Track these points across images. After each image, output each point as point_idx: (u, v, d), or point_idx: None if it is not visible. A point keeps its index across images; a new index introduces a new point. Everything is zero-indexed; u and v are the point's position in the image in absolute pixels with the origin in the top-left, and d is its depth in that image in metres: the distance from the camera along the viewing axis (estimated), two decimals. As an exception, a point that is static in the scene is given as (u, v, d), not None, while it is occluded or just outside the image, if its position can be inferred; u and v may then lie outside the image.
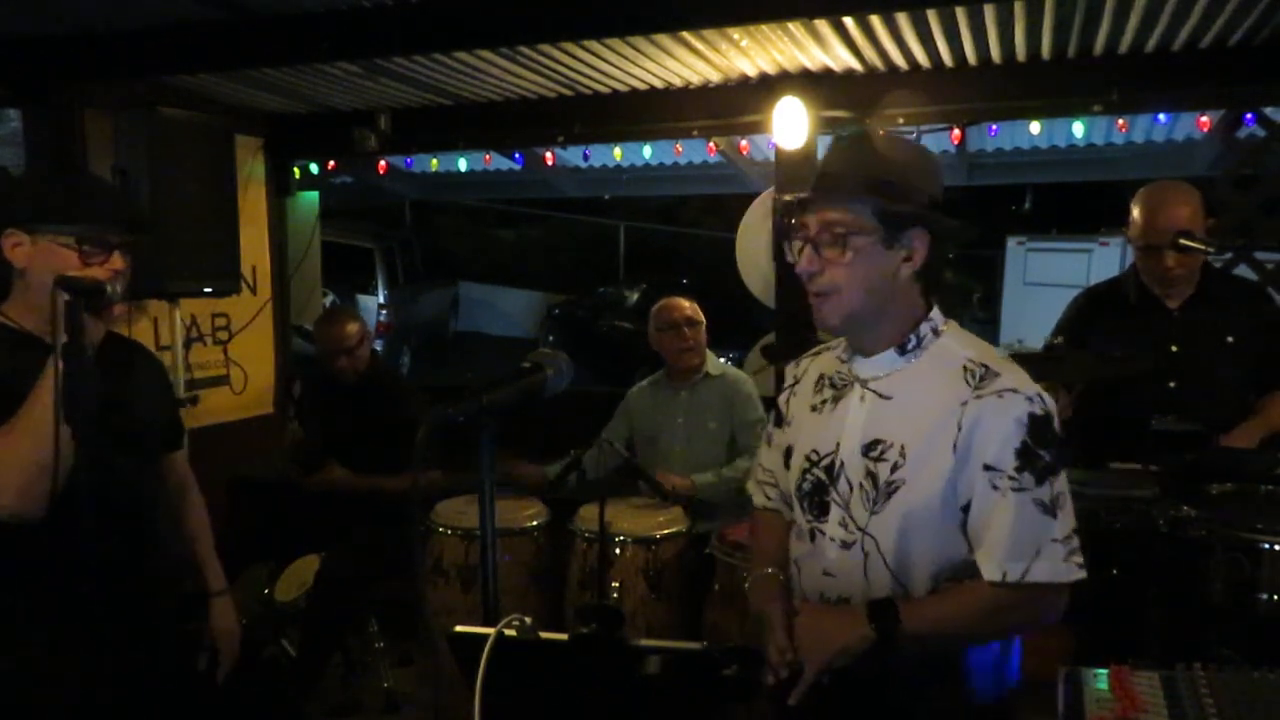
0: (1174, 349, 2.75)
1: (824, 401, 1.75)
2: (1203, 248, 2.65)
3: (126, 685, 1.89)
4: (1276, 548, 2.16)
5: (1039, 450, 1.53)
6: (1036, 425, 1.53)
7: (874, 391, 1.66)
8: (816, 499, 1.71)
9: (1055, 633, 2.80)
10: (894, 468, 1.60)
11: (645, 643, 1.30)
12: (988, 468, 1.54)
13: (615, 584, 3.24)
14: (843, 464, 1.67)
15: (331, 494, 3.63)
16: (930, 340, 1.65)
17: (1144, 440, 2.51)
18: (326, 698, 3.52)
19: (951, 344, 1.65)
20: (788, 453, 1.81)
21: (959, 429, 1.56)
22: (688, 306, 3.74)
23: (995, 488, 1.54)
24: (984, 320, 13.82)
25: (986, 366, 1.59)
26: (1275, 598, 2.16)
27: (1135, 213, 2.78)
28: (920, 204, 1.59)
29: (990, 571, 1.55)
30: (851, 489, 1.65)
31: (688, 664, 1.30)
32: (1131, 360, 2.66)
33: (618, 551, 3.29)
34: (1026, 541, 1.53)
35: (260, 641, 3.43)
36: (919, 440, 1.59)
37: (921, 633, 1.56)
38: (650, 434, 3.77)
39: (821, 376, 1.79)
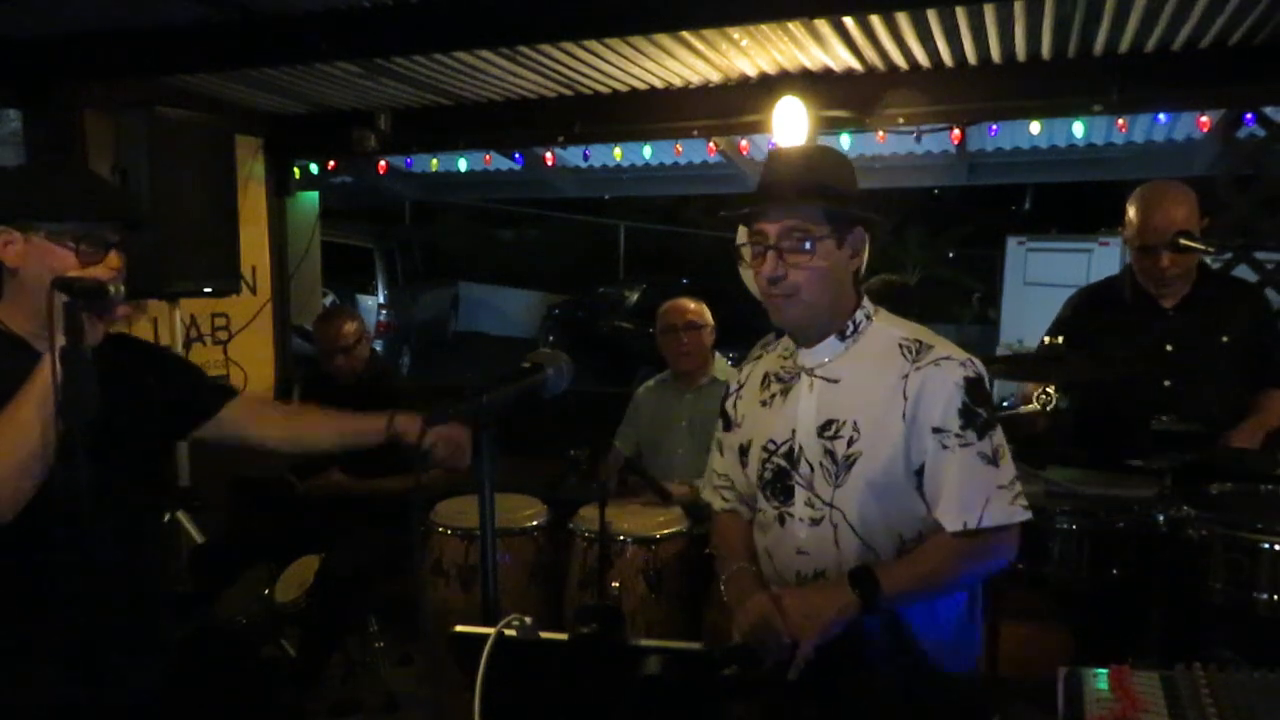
0: (1169, 348, 2.76)
1: (773, 396, 1.89)
2: (1202, 248, 2.65)
3: (122, 689, 1.89)
4: (1276, 548, 2.16)
5: (977, 409, 1.71)
6: (972, 386, 1.72)
7: (821, 378, 1.81)
8: (780, 485, 1.84)
9: (1055, 633, 2.82)
10: (850, 442, 1.75)
11: (645, 643, 1.31)
12: (936, 430, 1.71)
13: (615, 584, 3.24)
14: (801, 448, 1.81)
15: (331, 495, 3.63)
16: (865, 325, 1.82)
17: (1143, 440, 2.51)
18: (326, 698, 3.52)
19: (884, 326, 1.83)
20: (743, 450, 1.94)
21: (905, 398, 1.72)
22: (690, 310, 3.69)
23: (944, 447, 1.71)
24: (986, 320, 13.85)
25: (920, 341, 1.77)
26: (1275, 598, 2.16)
27: (1131, 213, 2.78)
28: (859, 206, 1.77)
29: (951, 523, 1.71)
30: (813, 469, 1.79)
31: (688, 664, 1.30)
32: (1129, 360, 2.66)
33: (618, 551, 3.28)
34: (977, 491, 1.71)
35: (260, 641, 3.43)
36: (870, 414, 1.75)
37: (900, 590, 1.71)
38: (654, 435, 3.76)
39: (766, 375, 1.94)
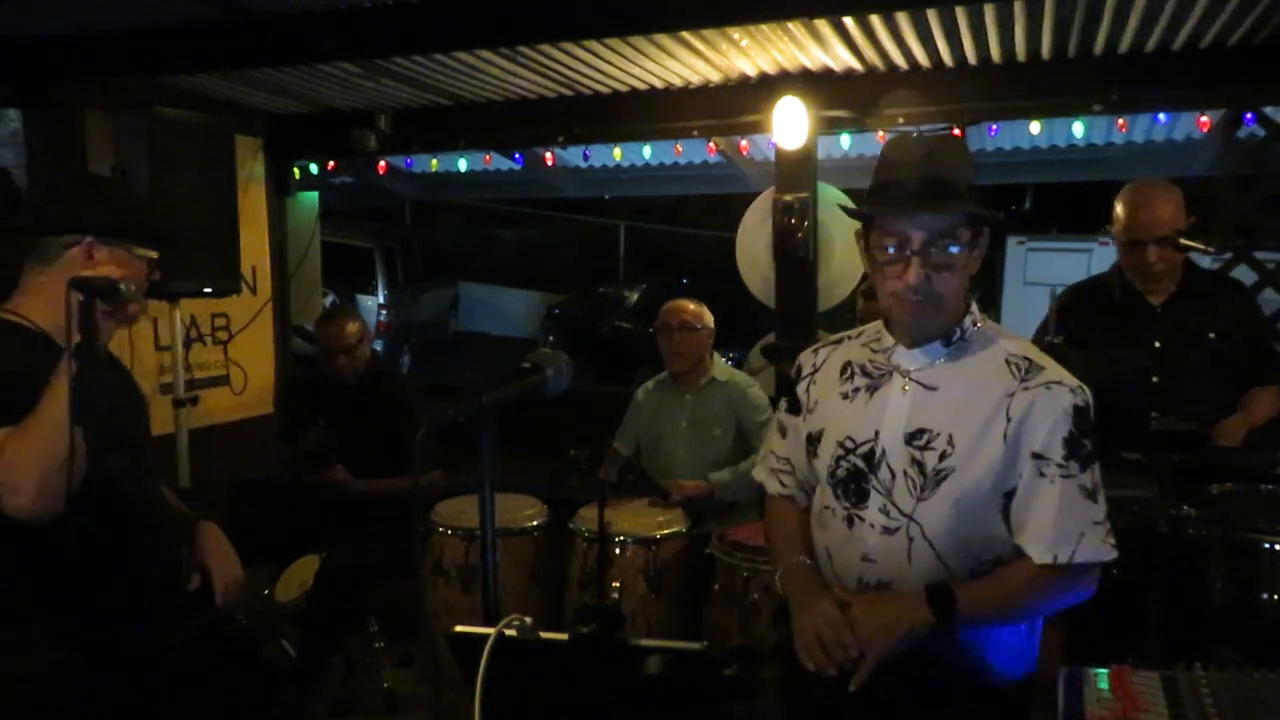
0: (1158, 345, 2.79)
1: (856, 390, 1.78)
2: (1201, 248, 2.66)
3: (133, 681, 1.90)
4: (1276, 548, 2.17)
5: (1083, 439, 1.63)
6: (1080, 415, 1.64)
7: (918, 382, 1.72)
8: (853, 486, 1.74)
9: (1054, 632, 2.81)
10: (942, 456, 1.66)
11: (645, 643, 1.30)
12: (1036, 456, 1.63)
13: (615, 584, 3.24)
14: (884, 452, 1.71)
15: (332, 494, 3.63)
16: (971, 332, 1.72)
17: (1132, 435, 2.53)
18: (326, 698, 3.52)
19: (991, 335, 1.72)
20: (812, 439, 1.84)
21: (1008, 419, 1.64)
22: (687, 311, 3.69)
23: (1042, 474, 1.63)
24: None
25: (1030, 360, 1.68)
26: (1275, 597, 2.16)
27: (1119, 209, 2.83)
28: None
29: (1040, 554, 1.63)
30: (894, 476, 1.70)
31: (688, 664, 1.30)
32: (1132, 359, 2.67)
33: (618, 551, 3.28)
34: (1073, 525, 1.63)
35: (260, 641, 3.43)
36: (968, 429, 1.65)
37: (975, 614, 1.63)
38: (654, 435, 3.76)
39: (848, 365, 1.82)
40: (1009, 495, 1.66)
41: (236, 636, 2.75)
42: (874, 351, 1.79)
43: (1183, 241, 2.65)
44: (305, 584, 3.42)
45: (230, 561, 2.18)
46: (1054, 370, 1.67)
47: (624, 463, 3.50)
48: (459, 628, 1.34)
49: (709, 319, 3.72)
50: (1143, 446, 2.50)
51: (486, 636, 1.28)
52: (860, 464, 1.73)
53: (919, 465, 1.67)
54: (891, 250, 1.63)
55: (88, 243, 1.88)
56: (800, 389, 1.91)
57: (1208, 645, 2.18)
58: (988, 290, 14.50)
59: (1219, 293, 2.89)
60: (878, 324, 1.83)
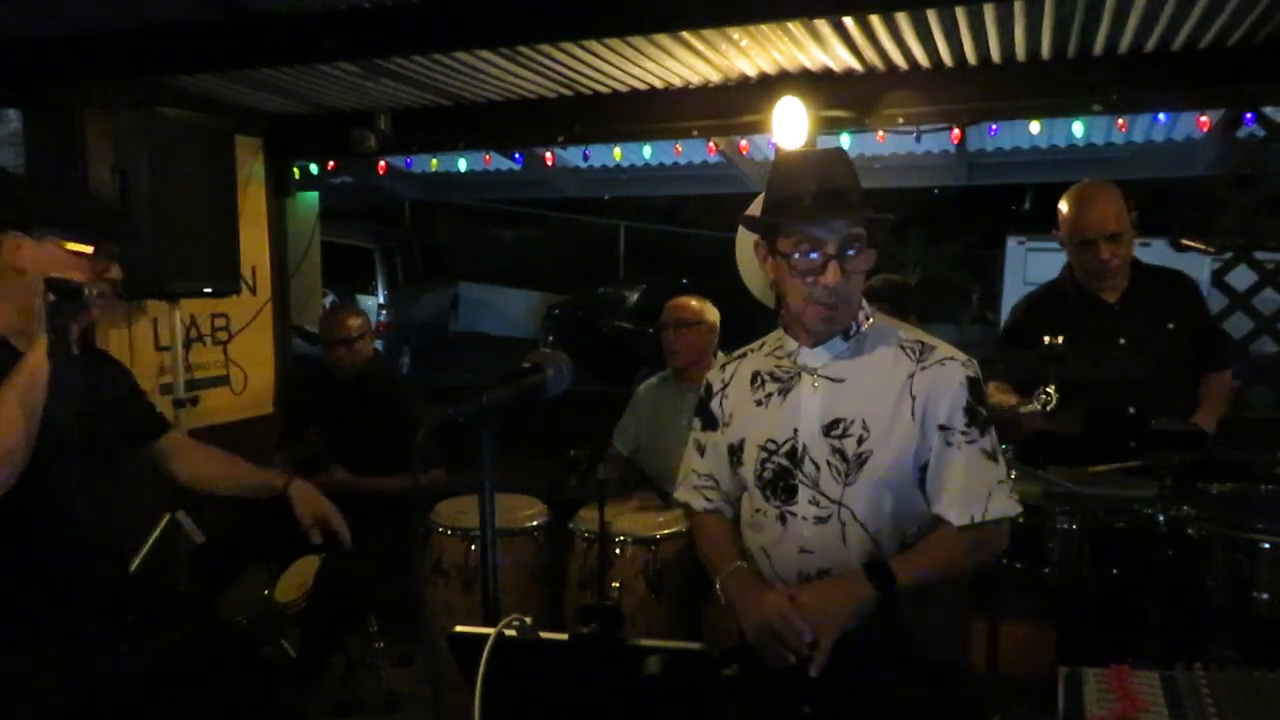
0: (1122, 342, 2.82)
1: (769, 395, 1.89)
2: (1202, 248, 2.68)
3: (133, 681, 1.91)
4: (1276, 547, 2.17)
5: (979, 407, 1.79)
6: (974, 385, 1.79)
7: (825, 377, 1.83)
8: (781, 484, 1.85)
9: (1054, 632, 2.82)
10: (860, 441, 1.78)
11: (645, 643, 1.31)
12: (942, 428, 1.77)
13: (615, 584, 3.24)
14: (805, 447, 1.82)
15: (332, 494, 3.63)
16: (865, 325, 1.85)
17: (1136, 437, 2.54)
18: (326, 698, 3.52)
19: (883, 327, 1.86)
20: (734, 449, 1.93)
21: (913, 397, 1.77)
22: (686, 309, 3.69)
23: (949, 444, 1.77)
24: (986, 320, 13.82)
25: (921, 342, 1.83)
26: (1275, 597, 2.16)
27: (1065, 211, 2.90)
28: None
29: (958, 517, 1.77)
30: (819, 468, 1.80)
31: (688, 664, 1.31)
32: (1123, 361, 2.70)
33: (618, 551, 3.29)
34: (981, 486, 1.77)
35: (260, 641, 3.43)
36: (880, 413, 1.78)
37: (912, 583, 1.72)
38: (653, 432, 3.77)
39: (757, 374, 1.93)
40: (923, 469, 1.79)
41: (236, 636, 2.76)
42: (779, 358, 1.92)
43: (1183, 241, 2.67)
44: (305, 584, 3.41)
45: (331, 508, 2.48)
46: (944, 349, 1.82)
47: (624, 464, 3.50)
48: (459, 628, 1.35)
49: (711, 315, 3.73)
50: (1141, 446, 2.51)
51: (486, 636, 1.28)
52: (785, 462, 1.84)
53: (840, 453, 1.79)
54: (807, 256, 1.73)
55: (10, 237, 1.91)
56: (714, 405, 2.01)
57: (1207, 645, 2.19)
58: (988, 290, 14.53)
59: (1166, 285, 2.92)
60: (777, 333, 1.94)
